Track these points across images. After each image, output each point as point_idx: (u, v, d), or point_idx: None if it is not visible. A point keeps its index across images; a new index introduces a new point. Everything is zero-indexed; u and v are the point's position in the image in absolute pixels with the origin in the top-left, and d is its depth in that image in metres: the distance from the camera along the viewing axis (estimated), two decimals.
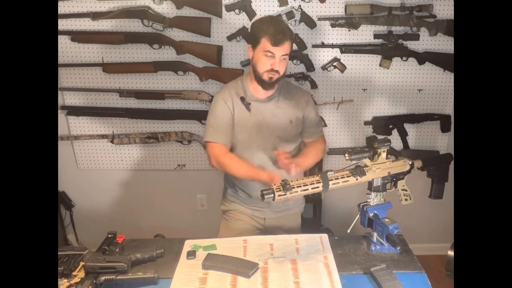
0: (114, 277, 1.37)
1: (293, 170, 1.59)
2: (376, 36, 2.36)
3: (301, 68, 2.42)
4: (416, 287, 1.38)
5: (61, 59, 2.37)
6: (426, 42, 2.39)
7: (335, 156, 2.60)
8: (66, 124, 2.52)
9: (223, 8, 2.28)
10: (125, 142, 2.52)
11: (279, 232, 1.82)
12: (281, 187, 1.33)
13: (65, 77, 2.42)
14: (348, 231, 1.56)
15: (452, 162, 1.89)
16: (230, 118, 1.76)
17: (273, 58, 1.65)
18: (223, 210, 1.96)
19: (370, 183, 1.53)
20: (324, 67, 2.42)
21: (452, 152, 2.00)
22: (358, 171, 1.46)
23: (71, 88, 2.43)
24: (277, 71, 1.67)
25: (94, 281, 1.35)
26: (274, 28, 1.63)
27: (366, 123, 2.56)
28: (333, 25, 2.32)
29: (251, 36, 1.74)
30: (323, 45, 2.38)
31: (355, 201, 1.63)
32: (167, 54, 2.37)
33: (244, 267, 1.43)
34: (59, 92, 2.42)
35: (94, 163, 2.62)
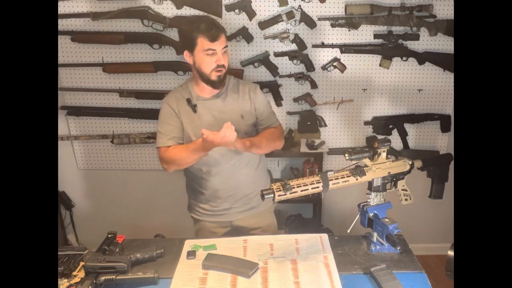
0: (114, 277, 1.37)
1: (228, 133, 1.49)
2: (376, 36, 2.36)
3: (301, 68, 2.42)
4: (416, 287, 1.38)
5: (61, 59, 2.37)
6: (426, 42, 2.39)
7: (335, 156, 2.60)
8: (66, 124, 2.52)
9: (223, 8, 2.29)
10: (125, 142, 2.52)
11: (251, 232, 1.84)
12: (281, 187, 1.33)
13: (65, 77, 2.42)
14: (348, 231, 1.56)
15: (452, 162, 1.89)
16: (177, 122, 1.73)
17: (215, 55, 1.62)
18: (192, 218, 1.97)
19: (370, 183, 1.53)
20: (324, 67, 2.42)
21: (452, 152, 2.00)
22: (358, 171, 1.46)
23: (71, 88, 2.43)
24: (223, 66, 1.65)
25: (94, 281, 1.35)
26: (205, 25, 1.60)
27: (366, 123, 2.56)
28: (333, 25, 2.32)
29: (184, 41, 1.68)
30: (323, 45, 2.38)
31: (355, 201, 1.63)
32: (167, 54, 2.37)
33: (244, 267, 1.43)
34: (59, 92, 2.42)
35: (94, 163, 2.62)
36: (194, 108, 1.72)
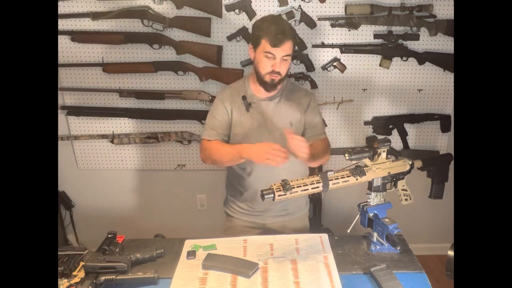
0: (114, 277, 1.37)
1: (302, 148, 1.52)
2: (376, 36, 2.36)
3: (301, 68, 2.42)
4: (416, 287, 1.38)
5: (61, 59, 2.37)
6: (426, 42, 2.39)
7: (335, 156, 2.59)
8: (66, 124, 2.52)
9: (223, 8, 2.28)
10: (125, 142, 2.52)
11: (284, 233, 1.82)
12: (281, 187, 1.33)
13: (65, 77, 2.42)
14: (348, 231, 1.56)
15: (452, 162, 1.90)
16: (226, 119, 1.75)
17: (273, 59, 1.63)
18: (226, 213, 1.96)
19: (370, 183, 1.53)
20: (324, 67, 2.42)
21: (452, 152, 2.00)
22: (358, 171, 1.46)
23: (71, 88, 2.43)
24: (278, 73, 1.65)
25: (94, 281, 1.35)
26: (274, 28, 1.60)
27: (366, 123, 2.56)
28: (333, 25, 2.32)
29: (252, 36, 1.71)
30: (323, 45, 2.38)
31: (355, 201, 1.63)
32: (167, 54, 2.37)
33: (244, 267, 1.43)
34: (59, 92, 2.42)
35: (94, 163, 2.62)
36: (248, 106, 1.73)
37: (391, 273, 1.40)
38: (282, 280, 1.40)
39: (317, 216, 2.67)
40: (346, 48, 2.37)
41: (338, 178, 1.42)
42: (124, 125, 2.52)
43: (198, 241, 1.62)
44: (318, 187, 1.38)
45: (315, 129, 1.83)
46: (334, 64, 2.41)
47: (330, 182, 1.40)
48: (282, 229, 1.85)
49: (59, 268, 1.43)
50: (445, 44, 2.39)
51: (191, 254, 1.53)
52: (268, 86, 1.69)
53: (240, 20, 2.31)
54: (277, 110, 1.76)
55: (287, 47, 1.62)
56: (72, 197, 2.72)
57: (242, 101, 1.74)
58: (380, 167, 1.51)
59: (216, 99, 1.80)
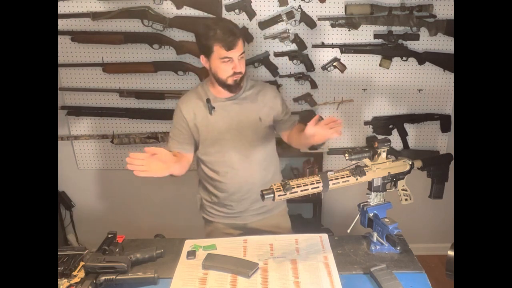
0: (114, 277, 1.37)
1: (336, 129, 1.50)
2: (376, 36, 2.36)
3: (301, 68, 2.42)
4: (416, 287, 1.38)
5: (61, 59, 2.37)
6: (426, 42, 2.39)
7: (335, 156, 2.60)
8: (66, 124, 2.52)
9: (223, 8, 2.28)
10: (125, 142, 2.52)
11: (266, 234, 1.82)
12: (281, 187, 1.33)
13: (65, 77, 2.42)
14: (348, 231, 1.56)
15: (452, 162, 1.89)
16: (185, 127, 1.72)
17: (232, 62, 1.60)
18: (204, 219, 1.95)
19: (370, 183, 1.53)
20: (324, 67, 2.42)
21: (452, 152, 2.00)
22: (358, 171, 1.46)
23: (71, 88, 2.43)
24: (239, 72, 1.63)
25: (94, 281, 1.35)
26: (221, 32, 1.55)
27: (366, 123, 2.56)
28: (333, 25, 2.32)
29: (200, 47, 1.64)
30: (323, 45, 2.38)
31: (355, 201, 1.63)
32: (167, 54, 2.37)
33: (244, 267, 1.43)
34: (59, 92, 2.42)
35: (94, 163, 2.62)
36: (211, 109, 1.70)
37: (391, 273, 1.40)
38: (282, 280, 1.40)
39: (317, 216, 2.67)
40: (346, 48, 2.37)
41: (338, 178, 1.42)
42: (124, 125, 2.52)
43: (198, 241, 1.62)
44: (318, 187, 1.38)
45: (288, 120, 1.81)
46: (334, 64, 2.41)
47: (330, 182, 1.40)
48: (263, 227, 1.85)
49: (59, 268, 1.43)
50: (445, 44, 2.39)
51: (191, 254, 1.53)
52: (232, 87, 1.66)
53: (240, 20, 2.31)
54: (242, 107, 1.73)
55: (240, 46, 1.60)
56: (72, 197, 2.72)
57: (205, 106, 1.70)
58: (380, 167, 1.51)
59: (176, 107, 1.76)
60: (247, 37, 2.33)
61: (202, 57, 1.66)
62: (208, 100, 1.70)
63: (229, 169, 1.75)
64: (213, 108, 1.70)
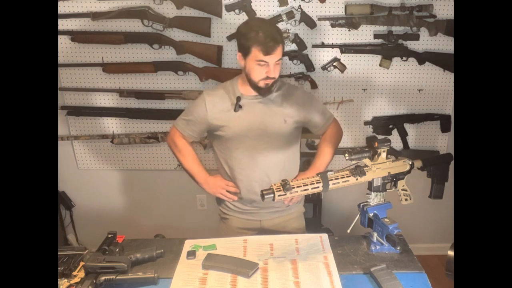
0: (114, 277, 1.37)
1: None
2: (376, 36, 2.36)
3: (301, 68, 2.42)
4: (416, 287, 1.38)
5: (61, 59, 2.37)
6: (426, 42, 2.39)
7: (335, 156, 2.58)
8: (66, 124, 2.52)
9: (223, 8, 2.29)
10: (125, 142, 2.52)
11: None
12: (281, 187, 1.33)
13: (65, 77, 2.42)
14: (348, 231, 1.56)
15: (452, 162, 1.90)
16: (202, 116, 1.71)
17: (267, 66, 1.59)
18: (220, 216, 1.94)
19: (370, 183, 1.53)
20: (324, 67, 2.42)
21: (452, 152, 2.00)
22: (358, 171, 1.46)
23: (71, 88, 2.43)
24: (273, 78, 1.62)
25: (94, 281, 1.35)
26: (263, 36, 1.54)
27: (366, 123, 2.56)
28: (333, 25, 2.33)
29: (240, 45, 1.63)
30: (323, 45, 2.38)
31: (355, 201, 1.63)
32: (167, 54, 2.37)
33: (244, 267, 1.43)
34: (59, 92, 2.42)
35: (94, 163, 2.62)
36: (237, 108, 1.68)
37: (391, 273, 1.40)
38: (282, 280, 1.40)
39: (317, 216, 2.67)
40: (346, 48, 2.37)
41: (338, 178, 1.42)
42: (124, 125, 2.52)
43: (198, 241, 1.62)
44: (318, 187, 1.38)
45: (321, 117, 1.80)
46: (334, 64, 2.41)
47: (330, 182, 1.40)
48: (278, 228, 1.84)
49: (59, 268, 1.43)
50: (445, 44, 2.40)
51: (191, 254, 1.53)
52: (262, 90, 1.66)
53: (240, 20, 2.30)
54: (268, 108, 1.72)
55: (279, 52, 1.59)
56: (72, 197, 2.72)
57: (231, 102, 1.70)
58: (380, 167, 1.51)
59: (201, 95, 1.75)
60: None
61: (239, 54, 1.65)
62: (238, 98, 1.69)
63: (245, 167, 1.74)
64: (240, 107, 1.69)
